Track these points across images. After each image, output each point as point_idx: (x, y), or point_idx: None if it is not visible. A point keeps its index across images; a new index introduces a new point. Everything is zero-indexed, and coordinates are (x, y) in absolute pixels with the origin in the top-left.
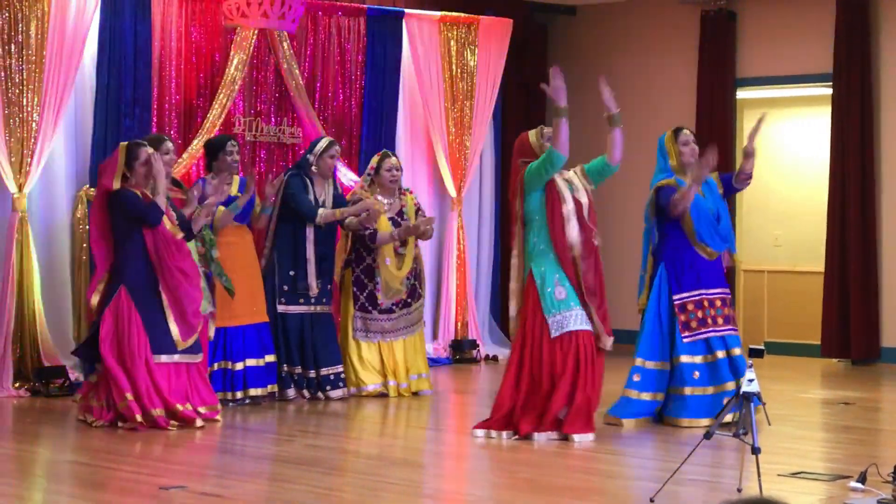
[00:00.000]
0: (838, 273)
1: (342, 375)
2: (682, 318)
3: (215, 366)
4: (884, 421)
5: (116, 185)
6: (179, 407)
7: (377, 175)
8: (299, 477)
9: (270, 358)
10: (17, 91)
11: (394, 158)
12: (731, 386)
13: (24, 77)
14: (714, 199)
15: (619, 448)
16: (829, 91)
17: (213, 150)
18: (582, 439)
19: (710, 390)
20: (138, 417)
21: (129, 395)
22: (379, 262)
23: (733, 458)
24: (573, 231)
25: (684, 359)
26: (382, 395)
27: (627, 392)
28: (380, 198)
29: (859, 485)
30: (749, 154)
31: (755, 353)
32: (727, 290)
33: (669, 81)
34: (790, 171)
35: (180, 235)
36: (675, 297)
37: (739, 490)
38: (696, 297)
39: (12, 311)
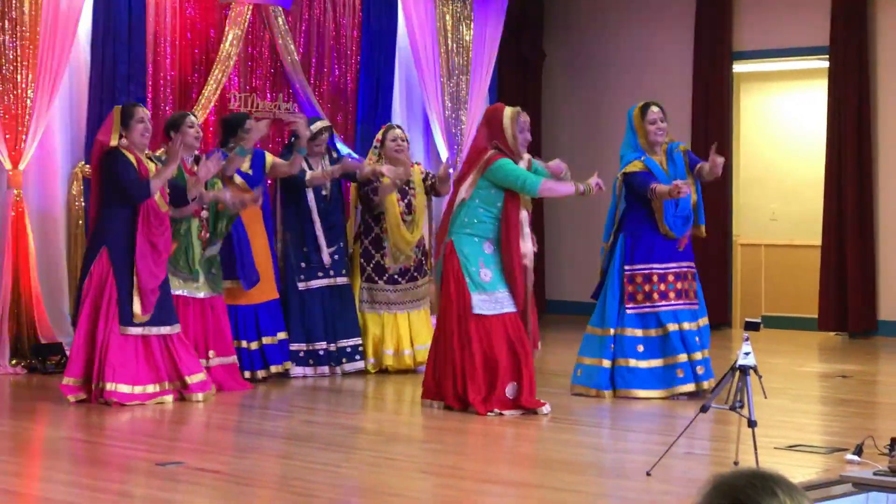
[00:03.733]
0: (835, 247)
1: (360, 348)
2: (630, 288)
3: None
4: (880, 393)
5: (114, 141)
6: (150, 388)
7: (382, 147)
8: (297, 453)
9: (282, 335)
10: (12, 68)
11: (398, 130)
12: (682, 358)
13: (19, 54)
14: (678, 176)
15: (615, 422)
16: (826, 64)
17: (233, 126)
18: (546, 410)
19: (659, 363)
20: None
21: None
22: (387, 226)
23: (730, 431)
24: (527, 242)
25: (628, 331)
26: (382, 372)
27: (580, 359)
28: (386, 170)
29: (856, 457)
30: (710, 170)
31: (751, 327)
32: (687, 265)
33: (666, 55)
34: (787, 145)
35: (165, 209)
36: (626, 267)
37: (736, 463)
38: (646, 271)
39: (8, 287)
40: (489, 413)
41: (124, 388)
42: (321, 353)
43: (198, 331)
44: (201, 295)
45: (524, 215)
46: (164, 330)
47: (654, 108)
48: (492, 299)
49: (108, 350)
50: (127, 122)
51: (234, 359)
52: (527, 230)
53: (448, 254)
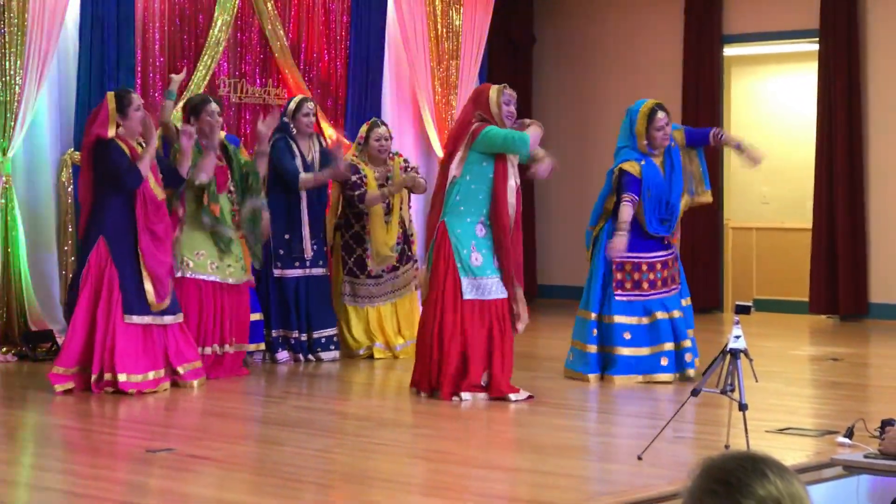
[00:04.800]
0: (826, 229)
1: (335, 339)
2: (619, 276)
3: None
4: (871, 376)
5: (111, 133)
6: (151, 375)
7: (366, 145)
8: (288, 438)
9: (256, 316)
10: (0, 55)
11: (383, 128)
12: (668, 346)
13: (7, 41)
14: (675, 178)
15: (606, 406)
16: (816, 47)
17: (195, 109)
18: (518, 398)
19: (645, 351)
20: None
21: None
22: (369, 228)
23: (721, 414)
24: (511, 209)
25: (617, 318)
26: (370, 358)
27: (574, 343)
28: (369, 166)
29: (847, 440)
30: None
31: (742, 310)
32: (669, 252)
33: (656, 38)
34: (777, 128)
35: (162, 196)
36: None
37: (727, 446)
38: (635, 260)
39: None
40: (454, 398)
41: (136, 378)
42: (292, 341)
43: (225, 317)
44: (231, 281)
45: (511, 185)
46: (168, 319)
47: (661, 115)
48: (479, 284)
49: (115, 339)
50: (124, 111)
51: (246, 347)
52: (513, 199)
53: (440, 236)
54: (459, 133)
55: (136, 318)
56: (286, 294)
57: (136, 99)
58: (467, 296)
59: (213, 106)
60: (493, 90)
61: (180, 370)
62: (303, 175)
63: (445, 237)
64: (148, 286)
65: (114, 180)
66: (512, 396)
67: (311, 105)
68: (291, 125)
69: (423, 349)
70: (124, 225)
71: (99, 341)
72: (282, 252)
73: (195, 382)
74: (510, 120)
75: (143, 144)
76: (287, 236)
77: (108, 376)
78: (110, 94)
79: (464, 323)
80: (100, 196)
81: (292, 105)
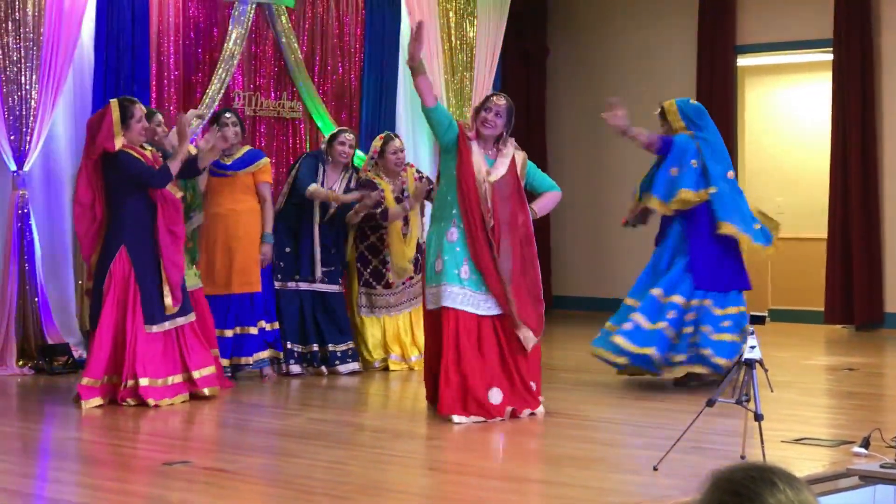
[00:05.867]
0: (841, 239)
1: (349, 351)
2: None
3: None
4: (887, 386)
5: (118, 146)
6: (170, 380)
7: (381, 158)
8: (303, 451)
9: (264, 324)
10: (16, 69)
11: (397, 141)
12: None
13: (23, 55)
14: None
15: (621, 417)
16: (830, 57)
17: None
18: (460, 420)
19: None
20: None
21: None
22: (388, 241)
23: (736, 425)
24: (484, 198)
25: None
26: (386, 370)
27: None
28: (385, 179)
29: (863, 450)
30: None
31: (756, 320)
32: None
33: (669, 49)
34: (791, 138)
35: (179, 195)
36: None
37: (743, 457)
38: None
39: (15, 288)
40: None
41: (157, 382)
42: (308, 354)
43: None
44: (200, 286)
45: (479, 178)
46: (181, 320)
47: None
48: (438, 292)
49: (136, 348)
50: (126, 122)
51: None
52: (483, 190)
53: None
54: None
55: (155, 328)
56: (285, 308)
57: (139, 110)
58: (429, 306)
59: (229, 117)
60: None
61: (196, 374)
62: (314, 185)
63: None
64: (166, 291)
65: (137, 185)
66: (455, 418)
67: (349, 136)
68: (326, 153)
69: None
70: (144, 231)
71: (128, 350)
72: (282, 265)
73: (206, 391)
74: (489, 129)
75: (145, 146)
76: (287, 249)
77: (130, 382)
78: (114, 103)
79: (424, 336)
80: (117, 204)
81: (332, 132)
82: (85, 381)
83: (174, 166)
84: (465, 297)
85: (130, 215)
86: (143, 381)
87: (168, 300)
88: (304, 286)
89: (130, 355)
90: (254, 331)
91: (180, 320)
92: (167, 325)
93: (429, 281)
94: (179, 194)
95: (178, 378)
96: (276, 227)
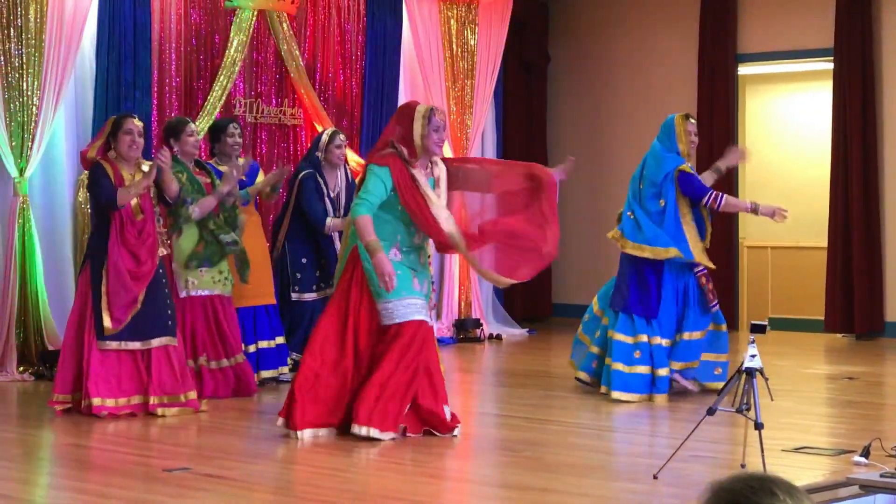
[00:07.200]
0: (841, 248)
1: None
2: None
3: None
4: (887, 395)
5: (92, 153)
6: (122, 401)
7: (327, 152)
8: (303, 457)
9: (280, 340)
10: (17, 75)
11: (342, 135)
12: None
13: (24, 61)
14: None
15: (621, 425)
16: (831, 66)
17: (216, 132)
18: (383, 436)
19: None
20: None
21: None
22: None
23: (736, 433)
24: (449, 223)
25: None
26: None
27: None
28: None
29: (863, 459)
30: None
31: (757, 329)
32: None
33: (670, 58)
34: (792, 147)
35: (139, 218)
36: (696, 269)
37: (743, 466)
38: (705, 272)
39: (15, 295)
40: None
41: (109, 402)
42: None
43: (233, 329)
44: (227, 292)
45: (437, 206)
46: (135, 345)
47: (692, 121)
48: (395, 307)
49: (90, 367)
50: (115, 133)
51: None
52: (444, 212)
53: (351, 259)
54: (371, 153)
55: (107, 344)
56: (302, 319)
57: (129, 124)
58: (386, 321)
59: (191, 127)
60: (419, 112)
61: (153, 400)
62: (330, 220)
63: (358, 262)
64: (104, 312)
65: (93, 199)
66: (362, 431)
67: (342, 137)
68: (322, 157)
69: None
70: (104, 247)
71: (84, 367)
72: (299, 276)
73: (160, 411)
74: (439, 148)
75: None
76: (304, 260)
77: (85, 402)
78: (112, 118)
79: (373, 347)
80: (93, 219)
81: (325, 137)
82: (55, 396)
83: (122, 196)
84: (419, 306)
85: (98, 231)
86: (96, 401)
87: (106, 321)
88: (320, 294)
89: (85, 373)
90: (274, 344)
91: (134, 345)
92: (115, 345)
93: (381, 296)
94: (140, 217)
95: (132, 400)
96: (288, 242)
